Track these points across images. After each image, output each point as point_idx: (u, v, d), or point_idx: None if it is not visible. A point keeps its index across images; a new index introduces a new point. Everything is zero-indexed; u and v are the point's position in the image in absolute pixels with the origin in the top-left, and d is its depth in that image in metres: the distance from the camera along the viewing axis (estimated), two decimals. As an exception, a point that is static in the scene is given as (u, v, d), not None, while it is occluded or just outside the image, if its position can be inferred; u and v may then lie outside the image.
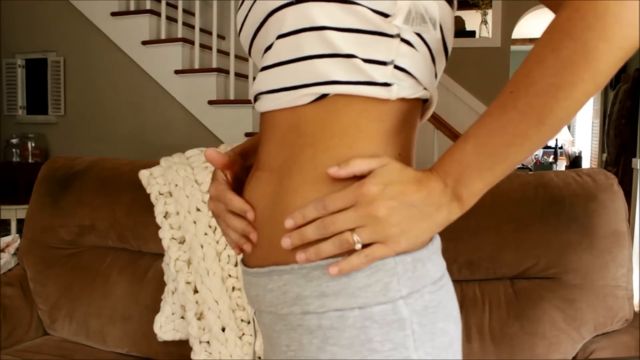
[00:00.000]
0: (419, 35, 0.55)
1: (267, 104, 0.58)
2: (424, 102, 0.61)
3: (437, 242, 0.58)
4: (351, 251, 0.51)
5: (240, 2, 0.63)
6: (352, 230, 0.50)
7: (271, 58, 0.56)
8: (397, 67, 0.54)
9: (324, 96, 0.54)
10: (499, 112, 0.49)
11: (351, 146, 0.54)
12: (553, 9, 0.51)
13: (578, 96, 0.46)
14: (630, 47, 0.45)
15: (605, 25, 0.44)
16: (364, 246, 0.50)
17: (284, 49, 0.55)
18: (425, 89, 0.57)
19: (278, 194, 0.56)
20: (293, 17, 0.53)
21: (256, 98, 0.61)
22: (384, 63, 0.53)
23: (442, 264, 0.58)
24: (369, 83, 0.53)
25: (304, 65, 0.54)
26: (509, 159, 0.49)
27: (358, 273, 0.51)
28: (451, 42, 0.61)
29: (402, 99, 0.55)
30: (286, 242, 0.53)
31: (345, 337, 0.51)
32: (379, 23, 0.52)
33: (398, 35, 0.53)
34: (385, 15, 0.52)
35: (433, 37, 0.56)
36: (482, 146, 0.49)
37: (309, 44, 0.53)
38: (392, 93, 0.54)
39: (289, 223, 0.53)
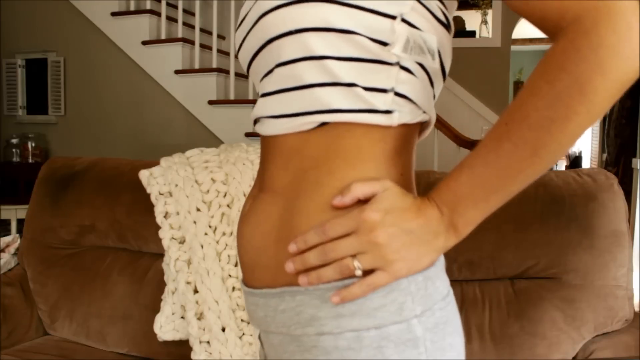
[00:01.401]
0: (419, 63, 0.55)
1: (269, 128, 0.59)
2: (423, 123, 0.62)
3: (442, 259, 0.59)
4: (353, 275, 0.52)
5: (240, 21, 0.63)
6: (353, 256, 0.51)
7: (271, 85, 0.57)
8: (397, 94, 0.55)
9: (324, 123, 0.55)
10: (494, 143, 0.49)
11: (355, 167, 0.55)
12: (551, 37, 0.50)
13: (572, 129, 0.46)
14: (628, 80, 0.45)
15: (600, 58, 0.43)
16: (365, 272, 0.51)
17: (284, 77, 0.56)
18: (424, 112, 0.58)
19: (283, 216, 0.57)
20: (292, 47, 0.54)
21: (257, 120, 0.61)
22: (384, 90, 0.54)
23: (447, 279, 0.59)
24: (370, 111, 0.54)
25: (305, 93, 0.54)
26: (503, 190, 0.51)
27: (374, 293, 0.52)
28: (449, 64, 0.61)
29: (403, 124, 0.56)
30: (289, 266, 0.54)
31: (362, 358, 0.52)
32: (377, 52, 0.53)
33: (397, 63, 0.54)
34: (384, 44, 0.53)
35: (432, 65, 0.57)
36: (477, 177, 0.50)
37: (309, 73, 0.54)
38: (394, 120, 0.55)
39: (292, 248, 0.54)
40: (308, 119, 0.55)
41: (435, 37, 0.55)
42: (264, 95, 0.59)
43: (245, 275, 0.63)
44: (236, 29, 0.64)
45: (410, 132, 0.58)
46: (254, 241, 0.60)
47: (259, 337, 0.64)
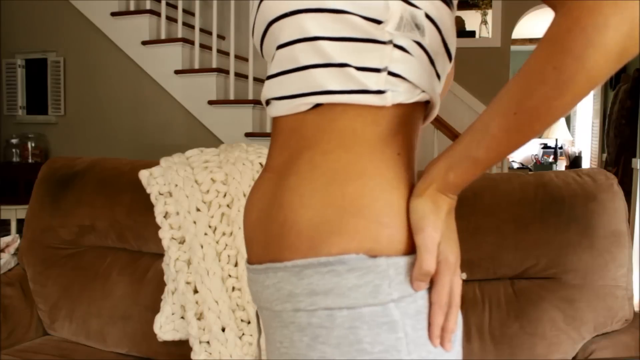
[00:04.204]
0: (416, 41, 0.55)
1: (273, 110, 0.60)
2: (427, 103, 0.61)
3: None
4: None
5: (253, 6, 0.65)
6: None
7: (275, 67, 0.59)
8: (391, 74, 0.54)
9: (320, 105, 0.56)
10: (504, 135, 0.50)
11: (349, 149, 0.55)
12: (553, 8, 0.50)
13: (571, 109, 0.47)
14: (628, 57, 0.45)
15: (606, 40, 0.43)
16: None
17: (283, 59, 0.57)
18: (423, 91, 0.57)
19: (276, 193, 0.58)
20: (289, 28, 0.55)
21: (268, 102, 0.63)
22: (377, 70, 0.54)
23: None
24: (362, 91, 0.54)
25: (301, 75, 0.56)
26: (489, 165, 0.54)
27: (349, 273, 0.52)
28: (452, 42, 0.61)
29: (399, 104, 0.56)
30: (448, 347, 0.56)
31: (334, 337, 0.52)
32: (370, 30, 0.53)
33: (391, 42, 0.54)
34: (378, 22, 0.53)
35: (426, 42, 0.56)
36: (480, 167, 0.52)
37: (304, 54, 0.55)
38: (387, 100, 0.55)
39: (437, 343, 0.56)
40: (304, 100, 0.56)
41: (422, 11, 0.55)
42: (269, 77, 0.60)
43: (246, 252, 0.65)
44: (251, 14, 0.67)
45: (408, 111, 0.57)
46: (252, 217, 0.62)
47: (256, 314, 0.66)
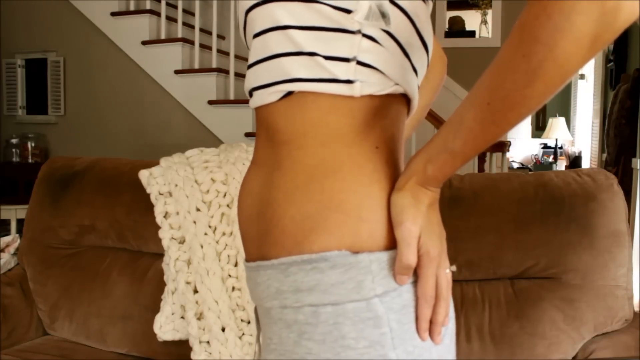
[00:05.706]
0: (386, 31, 0.55)
1: (252, 100, 0.60)
2: (407, 98, 0.61)
3: None
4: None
5: None
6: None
7: (252, 56, 0.59)
8: (360, 63, 0.54)
9: (290, 93, 0.55)
10: (479, 127, 0.49)
11: (325, 144, 0.55)
12: None
13: (548, 97, 0.46)
14: (602, 45, 0.43)
15: (574, 26, 0.41)
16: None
17: (258, 48, 0.57)
18: (397, 84, 0.57)
19: (263, 189, 0.58)
20: (261, 18, 0.56)
21: (250, 94, 0.63)
22: (346, 59, 0.54)
23: None
24: (331, 80, 0.54)
25: (273, 63, 0.56)
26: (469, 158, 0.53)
27: (332, 270, 0.52)
28: (428, 35, 0.60)
29: (371, 95, 0.55)
30: (438, 340, 0.56)
31: (319, 333, 0.52)
32: (339, 20, 0.53)
33: (359, 31, 0.54)
34: (347, 11, 0.53)
35: (397, 31, 0.56)
36: (459, 159, 0.51)
37: (276, 42, 0.55)
38: (355, 90, 0.54)
39: (425, 337, 0.55)
40: (274, 89, 0.56)
41: (387, 0, 0.54)
42: (248, 67, 0.60)
43: (243, 249, 0.65)
44: None
45: (383, 104, 0.57)
46: (244, 213, 0.62)
47: (255, 311, 0.66)
